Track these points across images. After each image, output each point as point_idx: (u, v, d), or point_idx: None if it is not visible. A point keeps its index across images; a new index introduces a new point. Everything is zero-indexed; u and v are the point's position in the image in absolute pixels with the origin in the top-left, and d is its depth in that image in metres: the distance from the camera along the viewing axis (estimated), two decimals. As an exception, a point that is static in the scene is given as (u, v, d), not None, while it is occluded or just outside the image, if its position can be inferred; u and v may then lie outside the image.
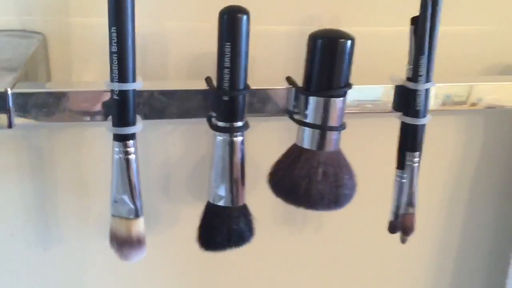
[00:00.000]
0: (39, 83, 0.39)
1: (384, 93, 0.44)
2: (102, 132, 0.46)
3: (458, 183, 0.58)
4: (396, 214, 0.46)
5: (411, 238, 0.48)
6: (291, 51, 0.48)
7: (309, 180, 0.39)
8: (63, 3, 0.42)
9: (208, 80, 0.40)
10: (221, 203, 0.40)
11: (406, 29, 0.46)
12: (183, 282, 0.55)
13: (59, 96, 0.36)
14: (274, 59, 0.47)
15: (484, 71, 0.54)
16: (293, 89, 0.41)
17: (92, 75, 0.44)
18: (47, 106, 0.36)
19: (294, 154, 0.40)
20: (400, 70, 0.45)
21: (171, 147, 0.49)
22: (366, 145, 0.52)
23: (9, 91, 0.35)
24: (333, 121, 0.39)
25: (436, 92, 0.45)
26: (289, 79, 0.42)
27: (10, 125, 0.36)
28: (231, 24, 0.36)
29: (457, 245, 0.62)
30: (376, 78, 0.45)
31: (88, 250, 0.49)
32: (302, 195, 0.39)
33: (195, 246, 0.45)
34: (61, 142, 0.46)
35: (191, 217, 0.50)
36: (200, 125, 0.48)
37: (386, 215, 0.48)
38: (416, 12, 0.42)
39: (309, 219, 0.55)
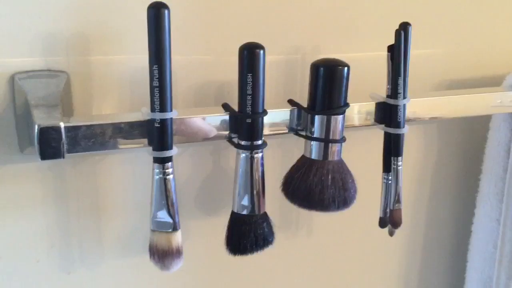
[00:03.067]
0: (83, 117, 0.43)
1: (367, 109, 0.51)
2: (118, 159, 0.50)
3: (421, 179, 0.65)
4: (385, 211, 0.53)
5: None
6: (282, 77, 0.53)
7: (322, 186, 0.45)
8: (84, 43, 0.45)
9: (225, 106, 0.46)
10: (245, 212, 0.46)
11: (372, 54, 0.54)
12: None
13: (105, 127, 0.41)
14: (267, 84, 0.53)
15: (434, 87, 0.62)
16: (295, 109, 0.48)
17: (111, 107, 0.47)
18: (95, 136, 0.40)
19: (305, 165, 0.46)
20: (372, 90, 0.53)
21: (180, 167, 0.53)
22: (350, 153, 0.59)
23: (62, 125, 0.39)
24: (336, 135, 0.46)
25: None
26: (291, 101, 0.49)
27: (63, 156, 0.39)
28: (251, 58, 0.42)
29: (423, 233, 0.69)
30: (355, 97, 0.51)
31: (108, 270, 0.52)
32: (316, 200, 0.45)
33: (202, 255, 0.50)
34: (82, 171, 0.48)
35: (201, 230, 0.55)
36: (204, 147, 0.54)
37: (369, 215, 0.56)
38: (380, 39, 0.50)
39: (301, 225, 0.60)
